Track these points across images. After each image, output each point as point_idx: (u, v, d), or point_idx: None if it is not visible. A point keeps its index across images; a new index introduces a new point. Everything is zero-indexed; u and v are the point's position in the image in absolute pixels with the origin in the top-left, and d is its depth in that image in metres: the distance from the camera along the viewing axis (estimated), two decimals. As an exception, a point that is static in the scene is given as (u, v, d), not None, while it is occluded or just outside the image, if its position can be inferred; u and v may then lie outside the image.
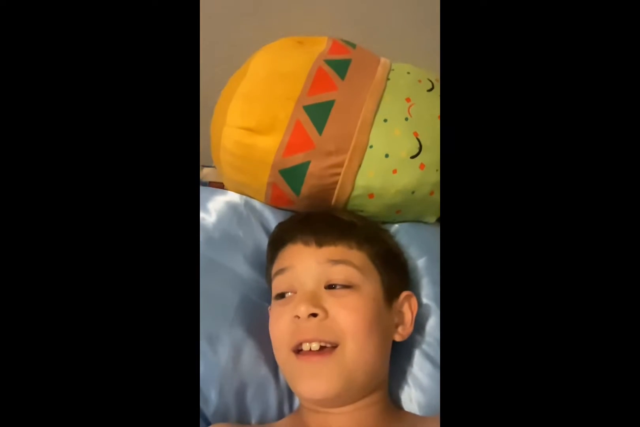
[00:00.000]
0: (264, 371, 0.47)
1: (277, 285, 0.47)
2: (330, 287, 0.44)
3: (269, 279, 0.50)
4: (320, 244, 0.46)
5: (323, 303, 0.43)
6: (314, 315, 0.42)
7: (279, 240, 0.50)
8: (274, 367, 0.48)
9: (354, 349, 0.41)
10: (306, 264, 0.45)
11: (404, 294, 0.48)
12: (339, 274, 0.44)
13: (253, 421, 0.47)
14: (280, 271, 0.47)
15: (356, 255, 0.46)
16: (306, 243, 0.47)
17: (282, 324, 0.44)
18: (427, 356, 0.49)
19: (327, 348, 0.42)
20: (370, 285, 0.45)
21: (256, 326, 0.49)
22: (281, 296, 0.46)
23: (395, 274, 0.48)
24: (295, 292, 0.45)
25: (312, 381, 0.41)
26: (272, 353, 0.47)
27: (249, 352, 0.47)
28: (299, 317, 0.42)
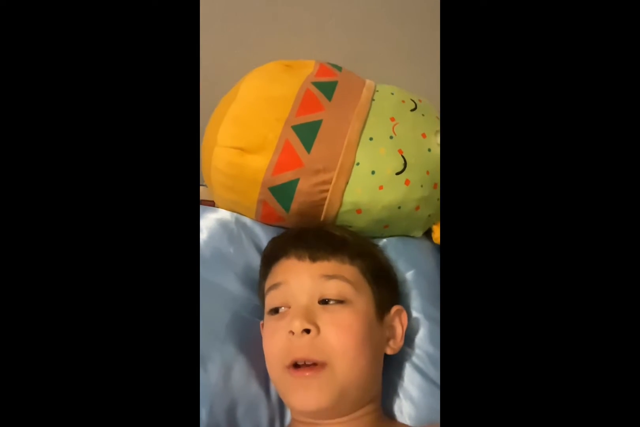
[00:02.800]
0: (255, 388, 0.47)
1: (271, 300, 0.47)
2: (323, 302, 0.45)
3: (261, 294, 0.50)
4: (313, 258, 0.47)
5: (316, 319, 0.43)
6: (307, 331, 0.42)
7: (272, 255, 0.51)
8: (265, 385, 0.48)
9: (344, 367, 0.42)
10: (300, 279, 0.46)
11: (395, 308, 0.49)
12: (333, 289, 0.45)
13: (244, 438, 0.47)
14: (274, 286, 0.47)
15: (349, 270, 0.47)
16: (300, 258, 0.47)
17: (276, 340, 0.44)
18: (417, 369, 0.49)
19: (319, 365, 0.42)
20: (363, 300, 0.46)
21: (247, 343, 0.49)
22: (275, 311, 0.46)
23: (386, 289, 0.49)
24: (289, 307, 0.45)
25: (303, 394, 0.42)
26: (264, 370, 0.47)
27: (240, 369, 0.47)
28: (293, 332, 0.43)
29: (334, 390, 0.41)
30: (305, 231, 0.51)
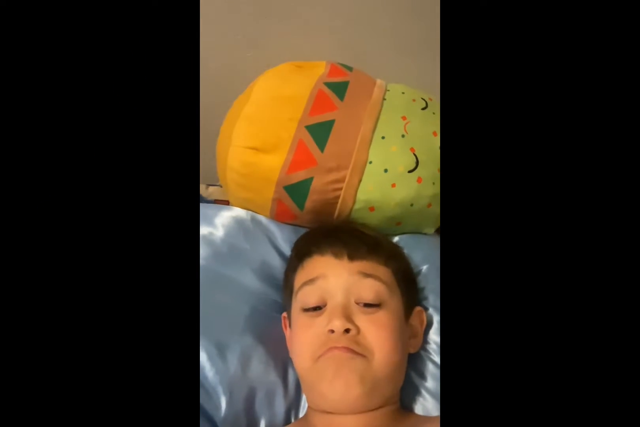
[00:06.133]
0: (273, 377, 0.49)
1: (306, 296, 0.47)
2: (360, 302, 0.45)
3: (289, 288, 0.50)
4: (351, 257, 0.47)
5: (354, 318, 0.44)
6: (347, 331, 0.43)
7: (305, 250, 0.50)
8: (283, 374, 0.49)
9: (380, 361, 0.43)
10: (338, 276, 0.46)
11: (417, 309, 0.50)
12: (370, 289, 0.45)
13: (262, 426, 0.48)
14: (310, 281, 0.47)
15: (384, 271, 0.48)
16: (337, 255, 0.47)
17: (312, 336, 0.44)
18: (430, 360, 0.50)
19: (356, 352, 0.42)
20: (395, 301, 0.47)
21: (265, 334, 0.50)
22: (310, 308, 0.46)
23: (411, 291, 0.50)
24: (324, 304, 0.46)
25: (335, 380, 0.42)
26: (282, 360, 0.49)
27: (258, 359, 0.49)
28: (333, 331, 0.43)
29: (367, 380, 0.42)
30: (339, 229, 0.52)
